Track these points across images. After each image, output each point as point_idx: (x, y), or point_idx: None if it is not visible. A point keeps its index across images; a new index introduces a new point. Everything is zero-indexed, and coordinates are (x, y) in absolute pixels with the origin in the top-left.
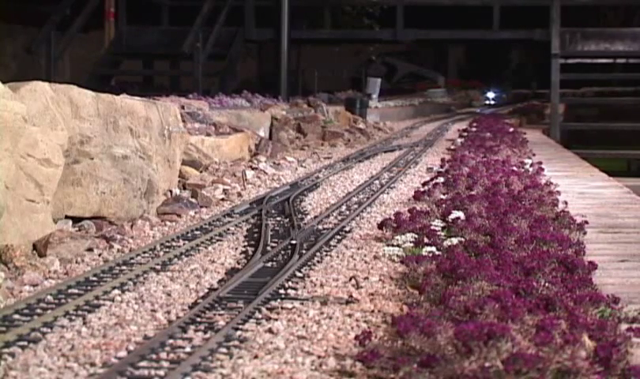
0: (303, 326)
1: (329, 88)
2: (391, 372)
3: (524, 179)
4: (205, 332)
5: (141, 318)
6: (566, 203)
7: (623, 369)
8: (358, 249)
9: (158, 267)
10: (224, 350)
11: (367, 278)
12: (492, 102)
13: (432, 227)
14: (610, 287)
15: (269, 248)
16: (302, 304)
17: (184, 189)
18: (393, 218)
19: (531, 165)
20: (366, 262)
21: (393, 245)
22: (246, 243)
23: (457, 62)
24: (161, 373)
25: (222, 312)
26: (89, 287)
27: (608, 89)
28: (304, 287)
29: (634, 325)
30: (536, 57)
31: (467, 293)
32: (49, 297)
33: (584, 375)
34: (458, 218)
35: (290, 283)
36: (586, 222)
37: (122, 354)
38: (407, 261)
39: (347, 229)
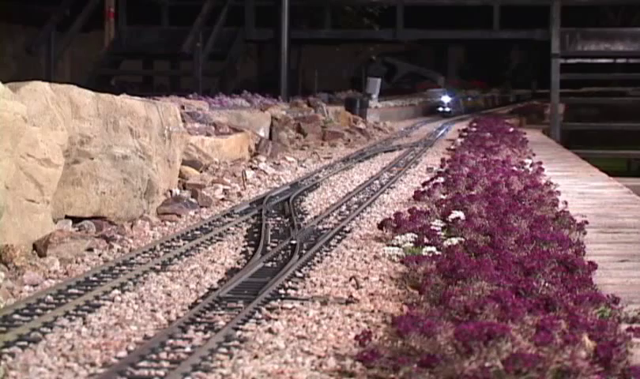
0: (303, 326)
1: (329, 88)
2: (391, 372)
3: (524, 179)
4: (205, 332)
5: (141, 318)
6: (566, 203)
7: (623, 369)
8: (358, 249)
9: (158, 267)
10: (224, 350)
11: (367, 278)
12: (447, 109)
13: (432, 227)
14: (610, 287)
15: (269, 248)
16: (302, 304)
17: (184, 189)
18: (393, 218)
19: (531, 165)
20: (366, 262)
21: (393, 245)
22: (246, 243)
23: (457, 62)
24: (161, 373)
25: (222, 312)
26: (89, 287)
27: (608, 89)
28: (304, 287)
29: (634, 325)
30: (536, 57)
31: (467, 293)
32: (49, 297)
33: (584, 375)
34: (458, 218)
35: (290, 283)
36: (586, 222)
37: (122, 354)
38: (407, 261)
39: (347, 229)
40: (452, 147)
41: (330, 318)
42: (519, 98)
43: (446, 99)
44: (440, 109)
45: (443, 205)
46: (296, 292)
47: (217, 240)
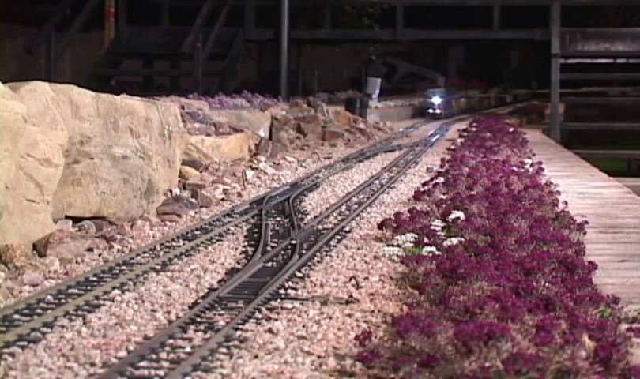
0: (303, 326)
1: (329, 88)
2: (391, 372)
3: (524, 179)
4: (205, 332)
5: (141, 318)
6: (566, 203)
7: (623, 369)
8: (358, 249)
9: (158, 267)
10: (224, 350)
11: (367, 278)
12: (437, 111)
13: (432, 227)
14: (610, 287)
15: (269, 248)
16: (302, 304)
17: (184, 189)
18: (393, 218)
19: (531, 165)
20: (366, 262)
21: (393, 245)
22: (246, 243)
23: (457, 62)
24: (161, 373)
25: (222, 312)
26: (89, 287)
27: (607, 89)
28: (304, 287)
29: (634, 325)
30: (536, 57)
31: (467, 293)
32: (49, 297)
33: (584, 375)
34: (458, 218)
35: (290, 283)
36: (586, 222)
37: (122, 354)
38: (407, 261)
39: (347, 229)
40: (452, 147)
41: (330, 318)
42: (516, 98)
43: (436, 100)
44: (430, 111)
45: (443, 205)
46: (296, 292)
47: (217, 240)
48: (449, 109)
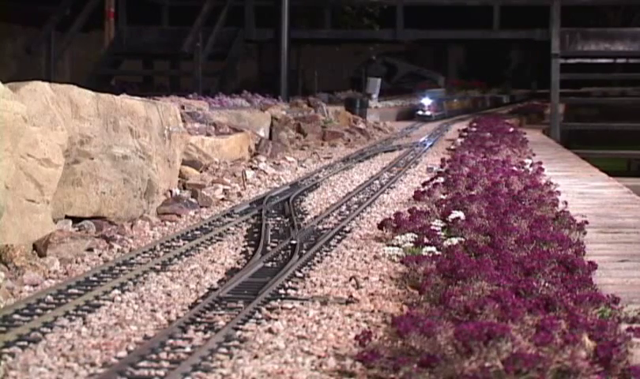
0: (303, 326)
1: (329, 88)
2: (391, 372)
3: (524, 179)
4: (205, 332)
5: (141, 318)
6: (566, 203)
7: (623, 369)
8: (358, 249)
9: (158, 267)
10: (224, 350)
11: (367, 278)
12: (427, 113)
13: (432, 227)
14: (610, 287)
15: (269, 248)
16: (302, 304)
17: (184, 189)
18: (393, 218)
19: (531, 165)
20: (366, 262)
21: (393, 245)
22: (246, 243)
23: (457, 62)
24: (161, 373)
25: (222, 312)
26: (89, 287)
27: (607, 89)
28: (304, 287)
29: (634, 325)
30: (536, 57)
31: (467, 293)
32: (49, 297)
33: (584, 375)
34: (458, 218)
35: (290, 283)
36: (586, 222)
37: (122, 354)
38: (407, 261)
39: (347, 229)
40: (452, 147)
41: (330, 318)
42: (514, 98)
43: (426, 101)
44: (420, 112)
45: (443, 205)
46: (296, 292)
47: (217, 240)
48: (441, 110)
